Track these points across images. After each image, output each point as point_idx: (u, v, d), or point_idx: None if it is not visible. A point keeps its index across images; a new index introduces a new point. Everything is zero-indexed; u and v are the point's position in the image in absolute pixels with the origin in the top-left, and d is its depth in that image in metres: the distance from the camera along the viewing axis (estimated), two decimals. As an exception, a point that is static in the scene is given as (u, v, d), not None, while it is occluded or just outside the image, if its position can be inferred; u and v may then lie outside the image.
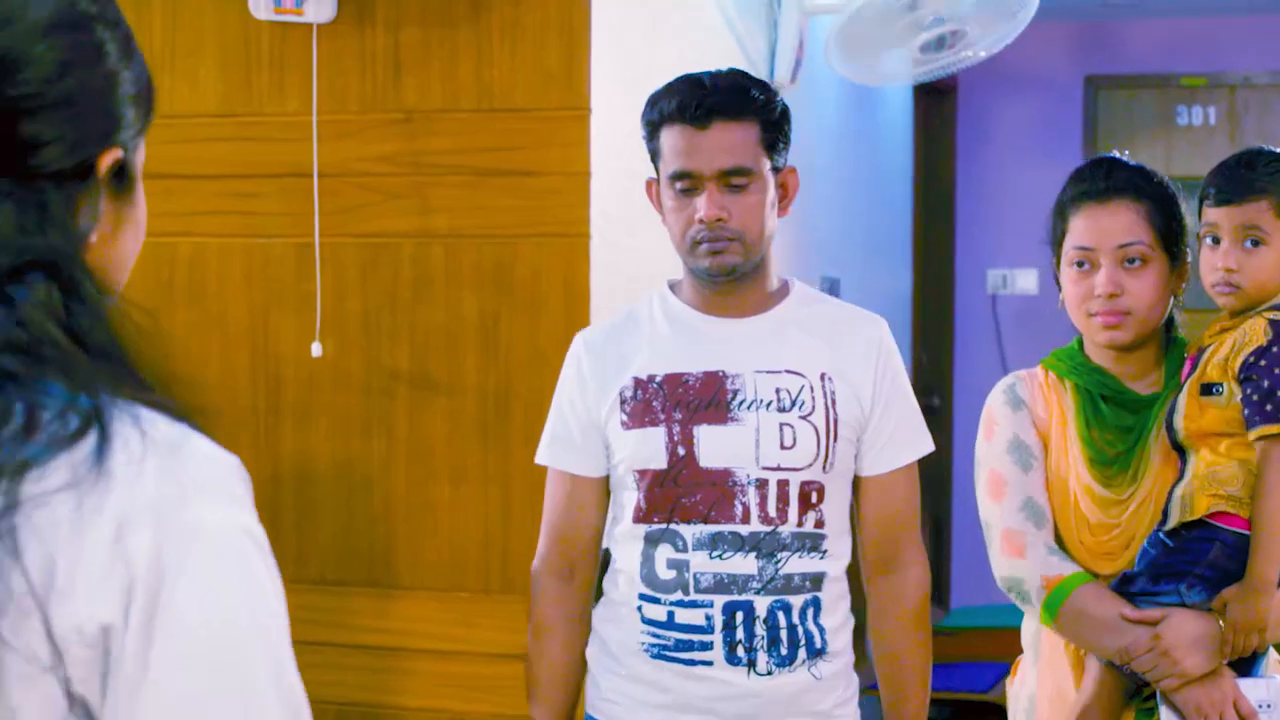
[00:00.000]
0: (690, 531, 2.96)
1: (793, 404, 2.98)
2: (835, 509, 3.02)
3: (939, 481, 8.25)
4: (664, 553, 2.98)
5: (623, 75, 4.19)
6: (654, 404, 2.99)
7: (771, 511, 2.95)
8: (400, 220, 4.14)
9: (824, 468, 2.98)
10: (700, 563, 2.95)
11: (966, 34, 4.93)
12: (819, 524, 2.98)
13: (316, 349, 4.13)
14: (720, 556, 2.94)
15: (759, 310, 3.07)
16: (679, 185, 2.98)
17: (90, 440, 1.24)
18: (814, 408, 2.98)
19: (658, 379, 3.01)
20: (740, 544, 2.94)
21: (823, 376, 3.00)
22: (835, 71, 5.12)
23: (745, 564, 2.94)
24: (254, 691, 1.25)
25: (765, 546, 2.94)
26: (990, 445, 3.15)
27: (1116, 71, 8.67)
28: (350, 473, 4.19)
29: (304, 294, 4.19)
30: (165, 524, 1.23)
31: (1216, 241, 3.00)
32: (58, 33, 1.32)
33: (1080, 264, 3.07)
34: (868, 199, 7.29)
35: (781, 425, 2.96)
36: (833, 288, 6.32)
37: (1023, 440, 3.11)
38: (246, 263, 4.26)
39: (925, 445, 3.12)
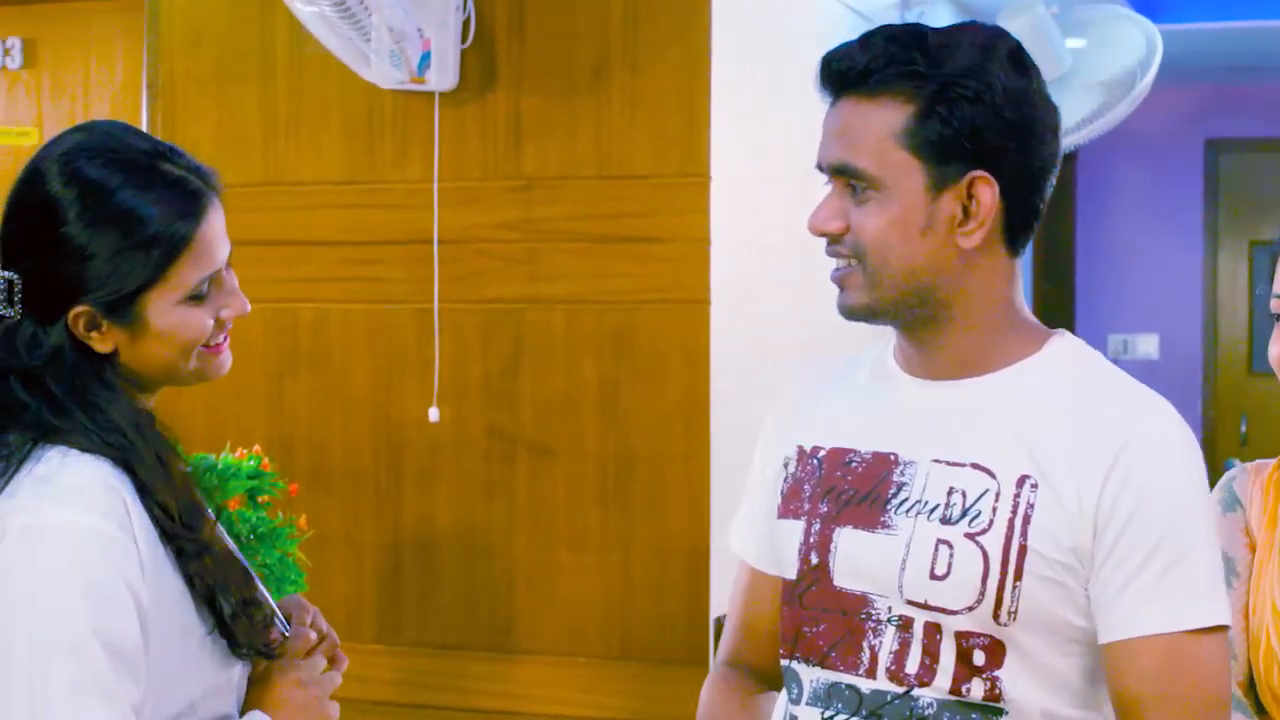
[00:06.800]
0: (807, 676, 2.06)
1: (962, 514, 1.96)
2: (1030, 681, 1.96)
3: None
4: (782, 701, 2.12)
5: (743, 141, 4.20)
6: (804, 487, 2.09)
7: (909, 666, 1.97)
8: (520, 286, 4.17)
9: (996, 615, 1.94)
10: None
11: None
12: (992, 697, 1.95)
13: (434, 414, 4.16)
14: (832, 719, 2.02)
15: (972, 371, 2.03)
16: (822, 181, 2.06)
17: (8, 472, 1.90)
18: (990, 524, 1.94)
19: (822, 452, 2.10)
20: (856, 705, 2.00)
21: (1021, 481, 1.95)
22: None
23: None
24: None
25: (891, 715, 1.98)
26: None
27: (1237, 135, 8.60)
28: (471, 538, 4.20)
29: (425, 360, 4.22)
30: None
31: None
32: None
33: (1277, 316, 2.25)
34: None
35: (938, 543, 1.96)
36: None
37: (1225, 552, 2.18)
38: (369, 328, 4.30)
39: (1200, 613, 1.92)
